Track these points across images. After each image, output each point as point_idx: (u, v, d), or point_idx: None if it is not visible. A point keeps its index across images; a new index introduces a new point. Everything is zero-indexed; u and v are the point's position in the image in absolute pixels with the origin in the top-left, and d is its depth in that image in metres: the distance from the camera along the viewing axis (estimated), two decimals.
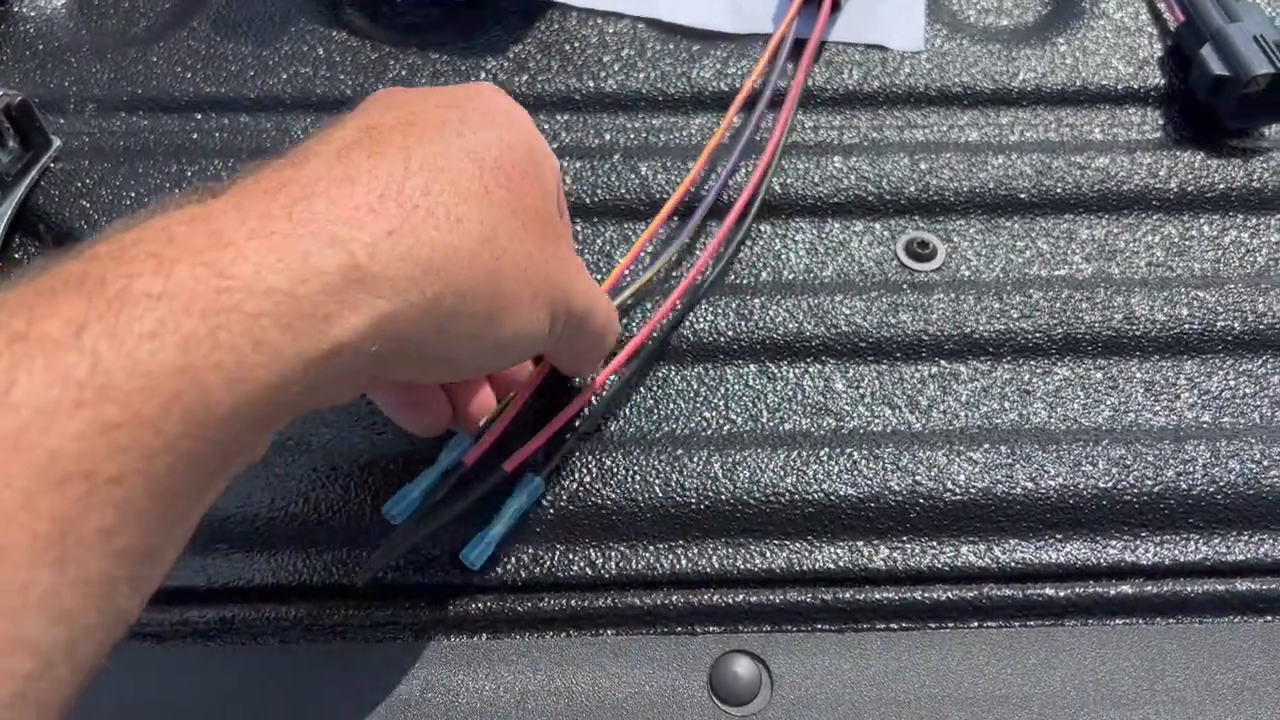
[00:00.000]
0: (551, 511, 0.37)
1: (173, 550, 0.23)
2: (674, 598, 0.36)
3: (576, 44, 0.51)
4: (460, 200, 0.28)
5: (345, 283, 0.24)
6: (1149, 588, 0.37)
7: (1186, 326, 0.42)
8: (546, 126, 0.48)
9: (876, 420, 0.40)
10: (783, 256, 0.45)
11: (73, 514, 0.20)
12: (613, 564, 0.37)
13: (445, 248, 0.27)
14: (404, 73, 0.50)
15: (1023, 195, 0.46)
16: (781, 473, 0.38)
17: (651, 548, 0.37)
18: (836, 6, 0.51)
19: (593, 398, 0.40)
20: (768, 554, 0.37)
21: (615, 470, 0.38)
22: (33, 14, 0.52)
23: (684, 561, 0.37)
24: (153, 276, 0.22)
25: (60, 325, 0.21)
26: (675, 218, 0.45)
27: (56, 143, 0.46)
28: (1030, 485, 0.38)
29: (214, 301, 0.22)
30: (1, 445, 0.20)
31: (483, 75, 0.50)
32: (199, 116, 0.48)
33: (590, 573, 0.36)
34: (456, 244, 0.27)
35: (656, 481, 0.38)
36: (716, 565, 0.37)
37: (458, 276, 0.27)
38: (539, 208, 0.31)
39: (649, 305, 0.42)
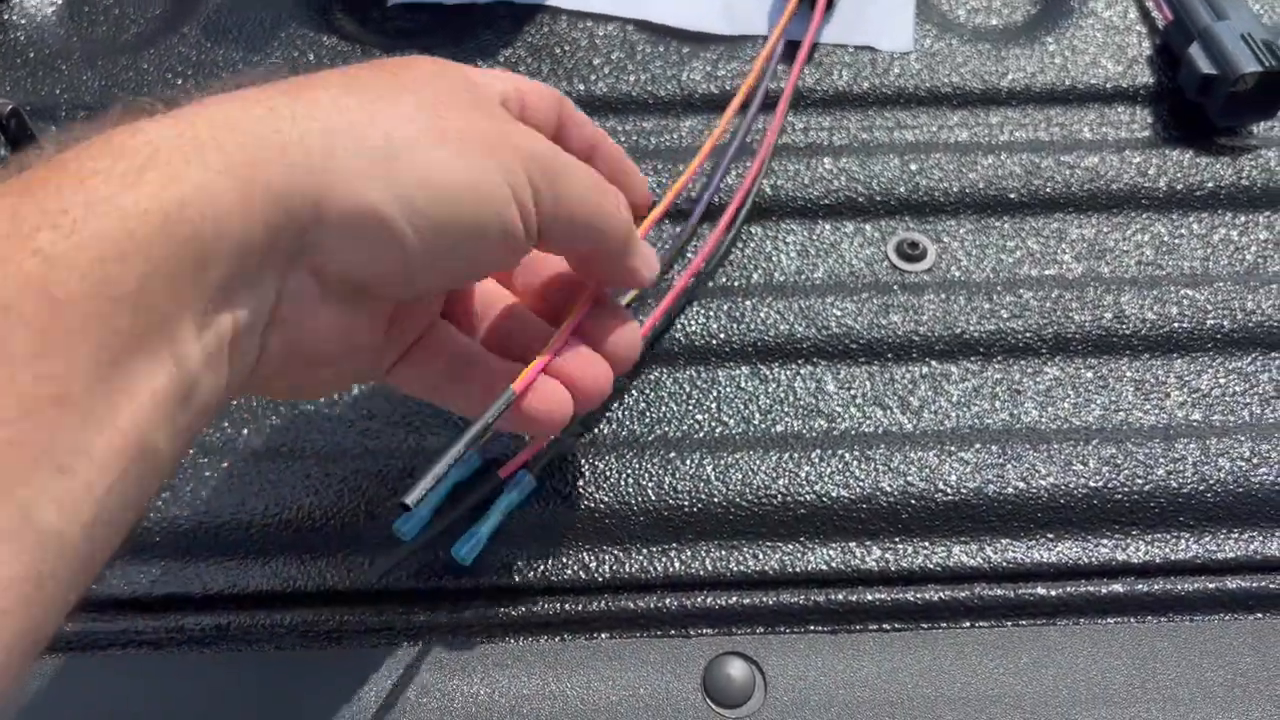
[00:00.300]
0: (545, 515, 0.38)
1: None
2: (667, 600, 0.36)
3: (566, 47, 0.51)
4: (404, 104, 0.28)
5: (181, 137, 0.24)
6: (1140, 586, 0.37)
7: (1176, 325, 0.43)
8: None
9: (868, 421, 0.40)
10: (774, 258, 0.45)
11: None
12: (606, 567, 0.37)
13: (383, 126, 0.27)
14: None
15: (1012, 195, 0.46)
16: (774, 475, 0.39)
17: (645, 550, 0.37)
18: (830, 6, 0.51)
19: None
20: (760, 556, 0.37)
21: (608, 473, 0.38)
22: (23, 21, 0.52)
23: (677, 564, 0.37)
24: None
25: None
26: (666, 221, 0.45)
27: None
28: (1021, 485, 0.38)
29: (34, 180, 0.23)
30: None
31: None
32: None
33: (584, 576, 0.37)
34: (391, 123, 0.27)
35: (649, 484, 0.38)
36: (710, 567, 0.37)
37: (419, 149, 0.27)
38: (480, 119, 0.29)
39: (642, 308, 0.42)
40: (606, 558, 0.37)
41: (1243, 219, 0.46)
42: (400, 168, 0.27)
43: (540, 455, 0.38)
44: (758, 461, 0.39)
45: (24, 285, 0.21)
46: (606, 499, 0.38)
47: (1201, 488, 0.39)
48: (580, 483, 0.38)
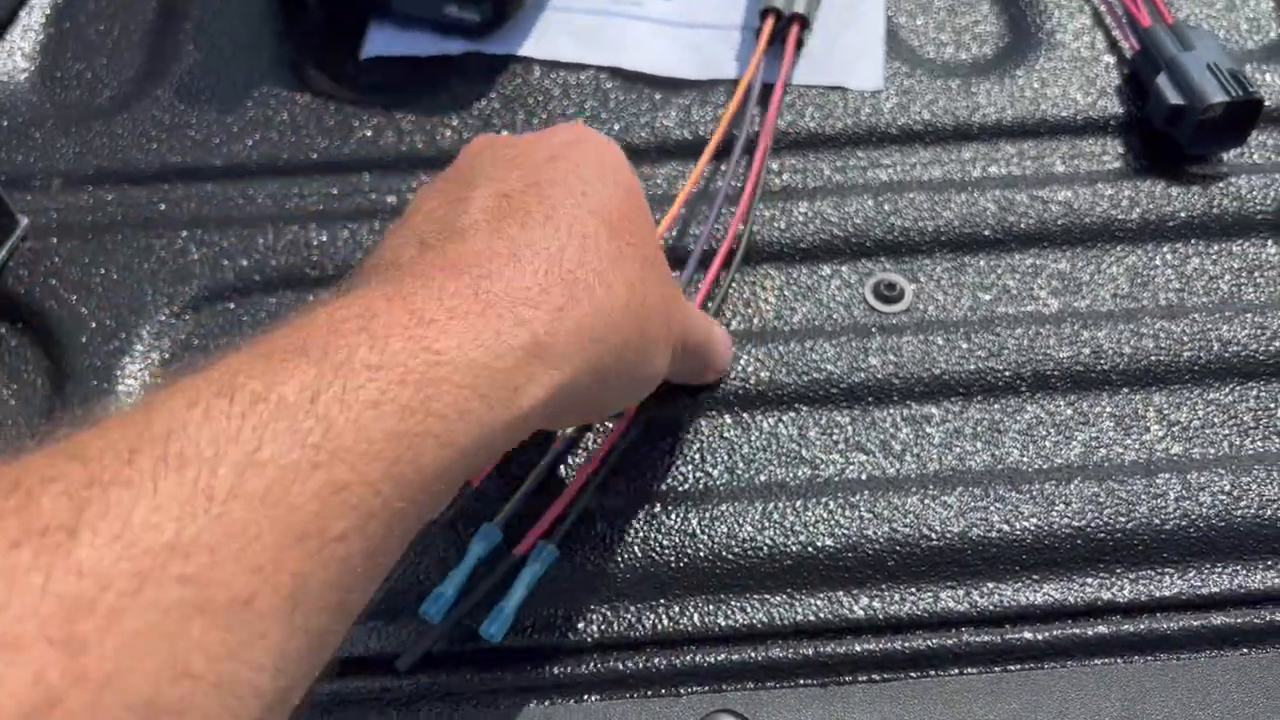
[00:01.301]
0: None
1: (362, 606, 0.25)
2: (656, 659, 0.36)
3: (540, 97, 0.51)
4: (606, 265, 0.30)
5: (529, 357, 0.27)
6: (1126, 626, 0.37)
7: (1153, 358, 0.43)
8: None
9: (851, 467, 0.40)
10: (753, 304, 0.45)
11: (305, 569, 0.22)
12: (594, 627, 0.37)
13: (603, 314, 0.30)
14: (369, 133, 0.50)
15: (987, 232, 0.46)
16: (759, 525, 0.39)
17: (632, 608, 0.37)
18: (800, 46, 0.52)
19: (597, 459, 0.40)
20: (748, 609, 0.37)
21: (592, 531, 0.39)
22: None
23: (665, 621, 0.37)
24: (369, 350, 0.25)
25: (295, 390, 0.23)
26: None
27: (23, 221, 0.46)
28: (1005, 527, 0.39)
29: (426, 373, 0.25)
30: (251, 501, 0.21)
31: (448, 133, 0.50)
32: (165, 187, 0.48)
33: (571, 637, 0.37)
34: (610, 308, 0.30)
35: (635, 540, 0.38)
36: (698, 623, 0.37)
37: (614, 338, 0.30)
38: (653, 248, 0.34)
39: None
40: (594, 617, 0.37)
41: (1216, 248, 0.46)
42: (643, 374, 0.33)
43: (560, 523, 0.38)
44: (743, 512, 0.39)
45: (396, 478, 0.24)
46: (592, 556, 0.38)
47: (1184, 523, 0.39)
48: (564, 540, 0.38)
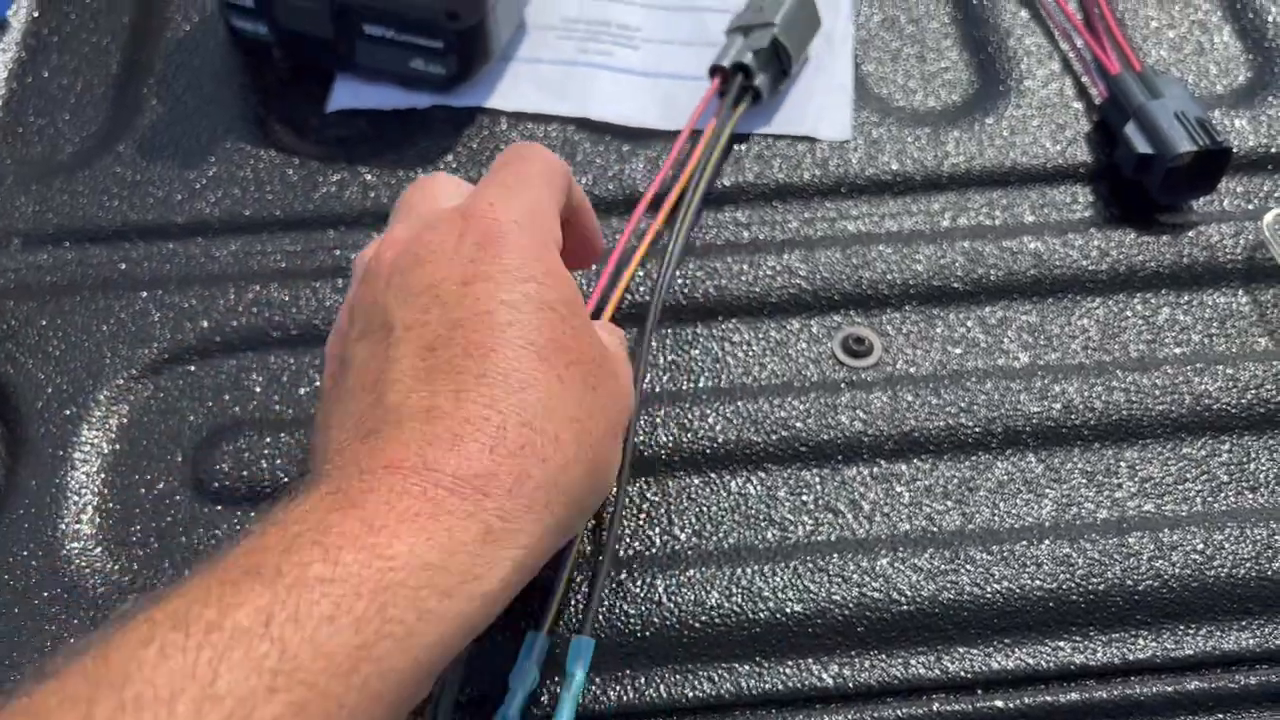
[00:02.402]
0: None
1: None
2: None
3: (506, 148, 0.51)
4: (549, 415, 0.30)
5: (485, 546, 0.27)
6: (1100, 692, 0.36)
7: (1124, 413, 0.42)
8: None
9: (820, 529, 0.40)
10: (721, 360, 0.44)
11: None
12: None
13: (554, 478, 0.29)
14: (333, 189, 0.49)
15: (956, 284, 0.46)
16: (727, 591, 0.38)
17: (596, 679, 0.37)
18: (758, 98, 0.51)
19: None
20: (715, 679, 0.37)
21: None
22: None
23: (630, 693, 0.36)
24: (322, 564, 0.25)
25: (250, 615, 0.24)
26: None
27: None
28: (976, 590, 0.38)
29: (380, 581, 0.25)
30: None
31: None
32: (126, 246, 0.48)
33: (535, 711, 0.36)
34: (561, 467, 0.30)
35: (600, 609, 0.38)
36: (664, 694, 0.36)
37: (568, 495, 0.30)
38: (589, 351, 0.32)
39: None
40: (555, 689, 0.36)
41: (1187, 298, 0.46)
42: (596, 503, 0.33)
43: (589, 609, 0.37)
44: (710, 578, 0.38)
45: (360, 688, 0.25)
46: (556, 628, 0.37)
47: (1157, 584, 0.38)
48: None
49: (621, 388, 0.34)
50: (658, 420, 0.42)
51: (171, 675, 0.22)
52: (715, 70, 0.50)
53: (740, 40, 0.51)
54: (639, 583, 0.38)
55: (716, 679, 0.37)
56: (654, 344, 0.44)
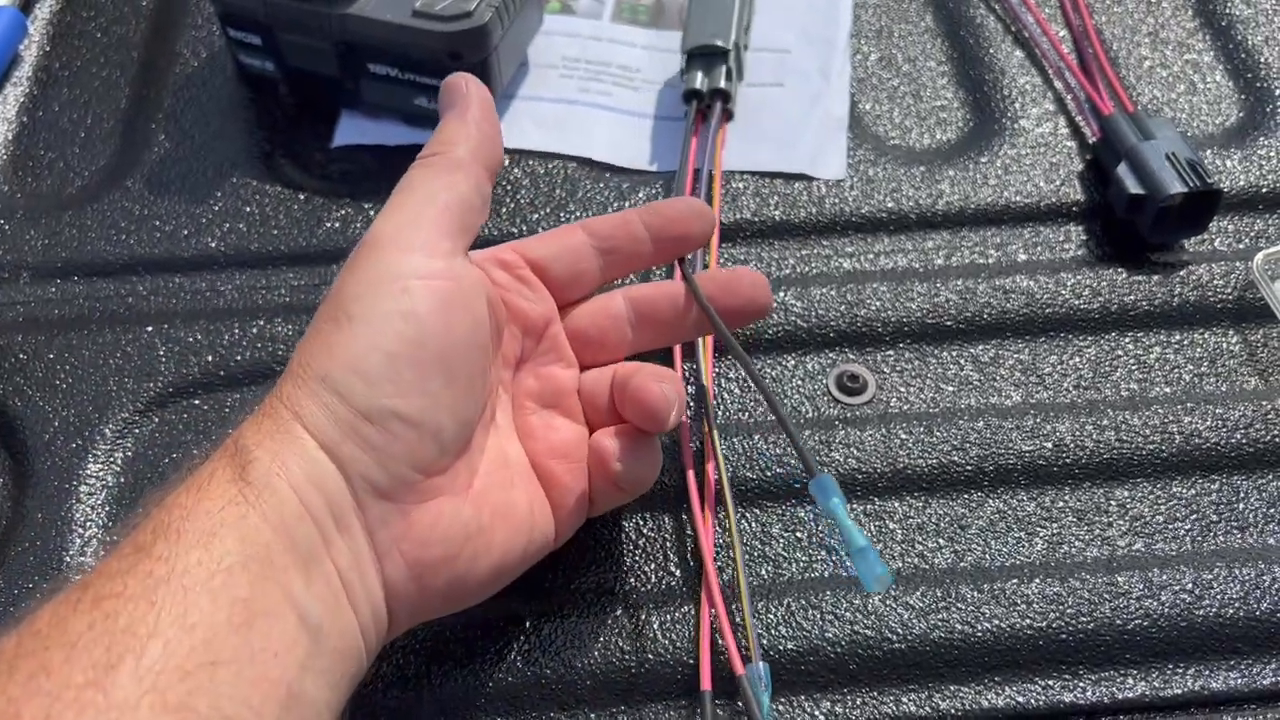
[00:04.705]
0: (473, 683, 0.37)
1: None
2: None
3: (508, 185, 0.52)
4: (357, 314, 0.32)
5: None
6: None
7: (1115, 451, 0.43)
8: None
9: (813, 565, 0.40)
10: (716, 397, 0.45)
11: None
12: None
13: (348, 349, 0.32)
14: (337, 224, 0.50)
15: (949, 322, 0.47)
16: (720, 629, 0.39)
17: (592, 715, 0.37)
18: (730, 116, 0.53)
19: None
20: (707, 716, 0.37)
21: (553, 636, 0.38)
22: None
23: None
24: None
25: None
26: None
27: None
28: (967, 629, 0.39)
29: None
30: None
31: None
32: (133, 279, 0.48)
33: None
34: (352, 342, 0.32)
35: (596, 645, 0.38)
36: None
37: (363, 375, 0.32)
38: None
39: None
40: None
41: (1178, 337, 0.47)
42: None
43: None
44: (702, 614, 0.39)
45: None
46: (552, 664, 0.38)
47: (1146, 623, 0.39)
48: (528, 648, 0.38)
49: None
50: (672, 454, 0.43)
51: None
52: (692, 95, 0.52)
53: (699, 63, 0.53)
54: (632, 619, 0.39)
55: (709, 716, 0.37)
56: None
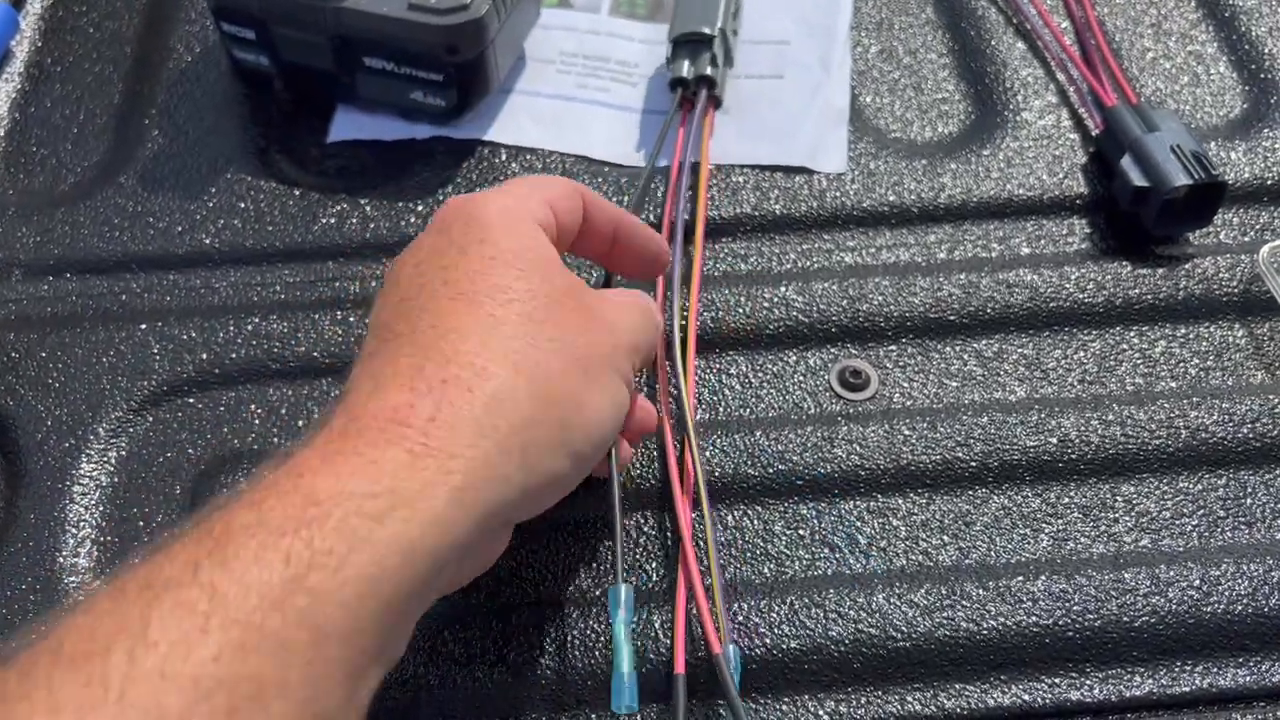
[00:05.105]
0: (499, 680, 0.37)
1: None
2: None
3: (505, 180, 0.51)
4: (477, 352, 0.30)
5: (411, 471, 0.27)
6: None
7: (1121, 447, 0.42)
8: None
9: (817, 563, 0.40)
10: (719, 393, 0.44)
11: None
12: None
13: (483, 401, 0.29)
14: (333, 220, 0.50)
15: (952, 317, 0.46)
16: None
17: (594, 715, 0.37)
18: (718, 104, 0.53)
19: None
20: (710, 715, 0.37)
21: (554, 634, 0.38)
22: None
23: None
24: (248, 512, 0.26)
25: (178, 567, 0.24)
26: None
27: None
28: (972, 626, 0.38)
29: (303, 516, 0.25)
30: (151, 678, 0.22)
31: (412, 218, 0.50)
32: (127, 277, 0.48)
33: None
34: (492, 391, 0.30)
35: (596, 644, 0.38)
36: None
37: (511, 415, 0.30)
38: (537, 287, 0.33)
39: None
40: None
41: (1183, 331, 0.46)
42: (571, 436, 0.32)
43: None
44: (678, 601, 0.38)
45: (299, 622, 0.24)
46: (551, 664, 0.37)
47: (1153, 620, 0.38)
48: (529, 649, 0.38)
49: (594, 322, 0.34)
50: (653, 453, 0.42)
51: (107, 632, 0.23)
52: (677, 83, 0.52)
53: (685, 50, 0.52)
54: (635, 618, 0.38)
55: (712, 715, 0.37)
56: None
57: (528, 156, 0.52)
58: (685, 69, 0.52)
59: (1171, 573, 0.39)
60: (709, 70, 0.51)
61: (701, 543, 0.39)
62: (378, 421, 0.28)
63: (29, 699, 0.22)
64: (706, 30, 0.52)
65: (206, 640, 0.23)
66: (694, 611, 0.37)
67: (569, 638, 0.38)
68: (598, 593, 0.39)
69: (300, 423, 0.43)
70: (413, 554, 0.27)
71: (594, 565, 0.40)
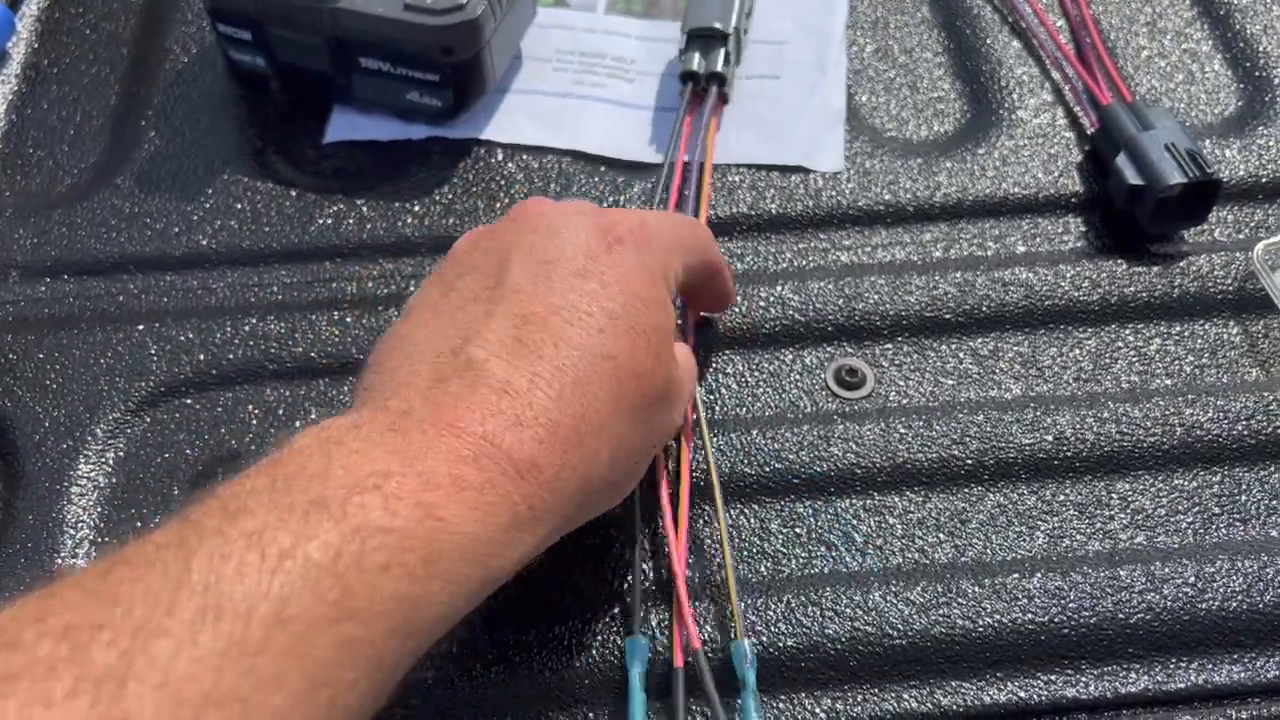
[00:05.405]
0: (497, 681, 0.37)
1: None
2: None
3: (501, 180, 0.51)
4: (598, 431, 0.32)
5: (511, 529, 0.29)
6: None
7: (1116, 444, 0.43)
8: None
9: (813, 561, 0.40)
10: (715, 392, 0.45)
11: (321, 714, 0.25)
12: None
13: (583, 482, 0.31)
14: (330, 220, 0.50)
15: (948, 315, 0.46)
16: (719, 626, 0.38)
17: (591, 714, 0.37)
18: (725, 100, 0.53)
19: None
20: (707, 714, 0.37)
21: (564, 637, 0.38)
22: None
23: None
24: (382, 512, 0.27)
25: (320, 549, 0.25)
26: None
27: None
28: (968, 624, 0.38)
29: (431, 542, 0.27)
30: (279, 654, 0.24)
31: (409, 219, 0.50)
32: (124, 278, 0.48)
33: None
34: (591, 475, 0.32)
35: (594, 645, 0.38)
36: None
37: (589, 502, 0.32)
38: (659, 380, 0.34)
39: None
40: None
41: (1178, 329, 0.46)
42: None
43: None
44: (703, 612, 0.39)
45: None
46: (551, 665, 0.37)
47: (1148, 617, 0.38)
48: (528, 652, 0.38)
49: (672, 420, 0.36)
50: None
51: (249, 592, 0.24)
52: (688, 76, 0.52)
53: (698, 44, 0.53)
54: (633, 617, 0.38)
55: (706, 716, 0.37)
56: None
57: (524, 156, 0.52)
58: (697, 63, 0.52)
59: (1166, 569, 0.39)
60: (720, 67, 0.52)
61: (702, 539, 0.40)
62: (508, 469, 0.30)
63: (172, 637, 0.23)
64: (720, 26, 0.52)
65: (331, 631, 0.25)
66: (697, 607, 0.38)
67: (569, 638, 0.38)
68: (600, 593, 0.39)
69: (297, 423, 0.43)
70: (485, 593, 0.30)
71: (596, 566, 0.40)
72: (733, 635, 0.37)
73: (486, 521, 0.29)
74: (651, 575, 0.40)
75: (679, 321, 0.43)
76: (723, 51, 0.52)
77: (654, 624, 0.38)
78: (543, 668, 0.37)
